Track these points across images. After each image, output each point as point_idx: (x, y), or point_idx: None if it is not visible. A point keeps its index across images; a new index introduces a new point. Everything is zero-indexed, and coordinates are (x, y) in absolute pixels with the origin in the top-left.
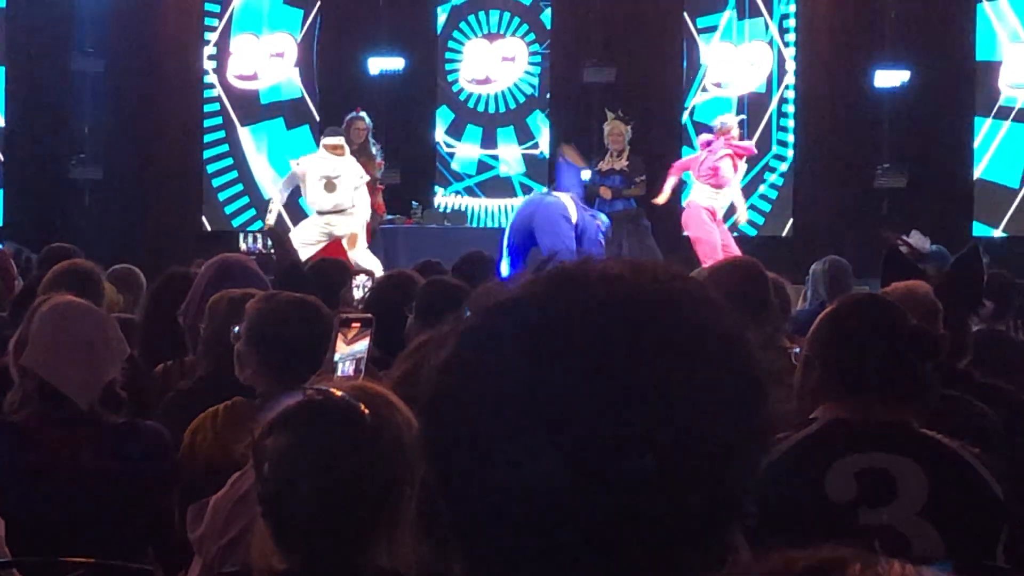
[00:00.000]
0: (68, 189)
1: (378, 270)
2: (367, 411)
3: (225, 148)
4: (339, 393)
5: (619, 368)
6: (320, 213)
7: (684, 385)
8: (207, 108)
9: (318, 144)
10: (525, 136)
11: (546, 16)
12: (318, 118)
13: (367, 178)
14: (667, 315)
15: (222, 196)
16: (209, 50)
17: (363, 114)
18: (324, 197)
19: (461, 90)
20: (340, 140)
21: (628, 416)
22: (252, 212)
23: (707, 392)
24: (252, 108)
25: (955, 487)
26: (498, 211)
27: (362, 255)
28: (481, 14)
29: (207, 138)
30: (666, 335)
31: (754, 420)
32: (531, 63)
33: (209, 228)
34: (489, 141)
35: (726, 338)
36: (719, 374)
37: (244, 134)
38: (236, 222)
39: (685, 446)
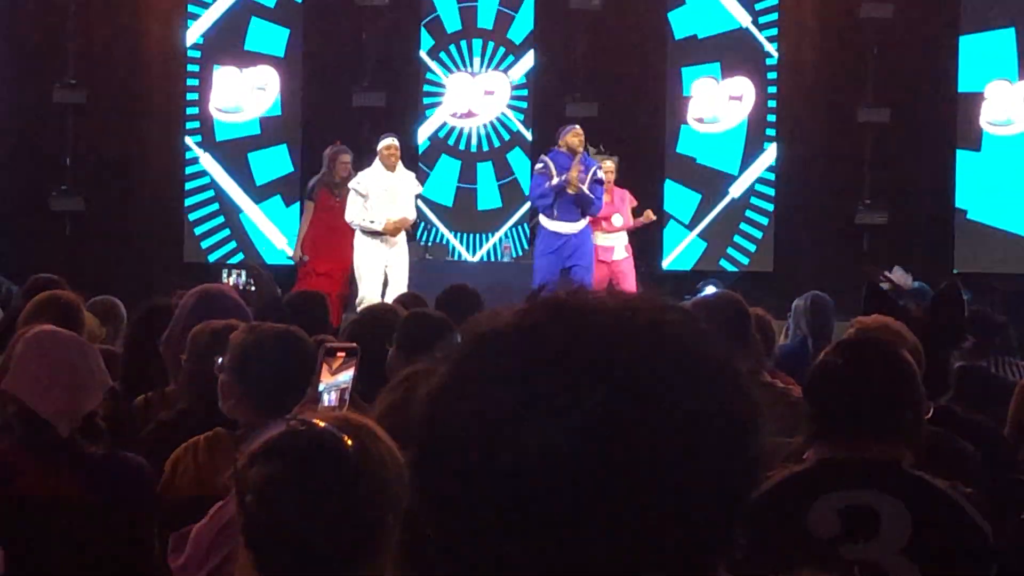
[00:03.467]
0: (49, 220)
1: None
2: (350, 442)
3: (207, 180)
4: (322, 424)
5: (609, 399)
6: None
7: (676, 416)
8: (188, 141)
9: (300, 178)
10: (504, 171)
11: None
12: (299, 151)
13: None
14: (659, 346)
15: (202, 229)
16: (191, 82)
17: (346, 147)
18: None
19: (443, 124)
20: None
21: (618, 447)
22: (233, 244)
23: (699, 423)
24: (233, 140)
25: (941, 527)
26: (479, 244)
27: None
28: (463, 45)
29: (188, 170)
30: (658, 366)
31: (745, 452)
32: (513, 96)
33: (190, 260)
34: (468, 175)
35: (718, 369)
36: (711, 405)
37: (225, 166)
38: (217, 255)
39: (675, 477)
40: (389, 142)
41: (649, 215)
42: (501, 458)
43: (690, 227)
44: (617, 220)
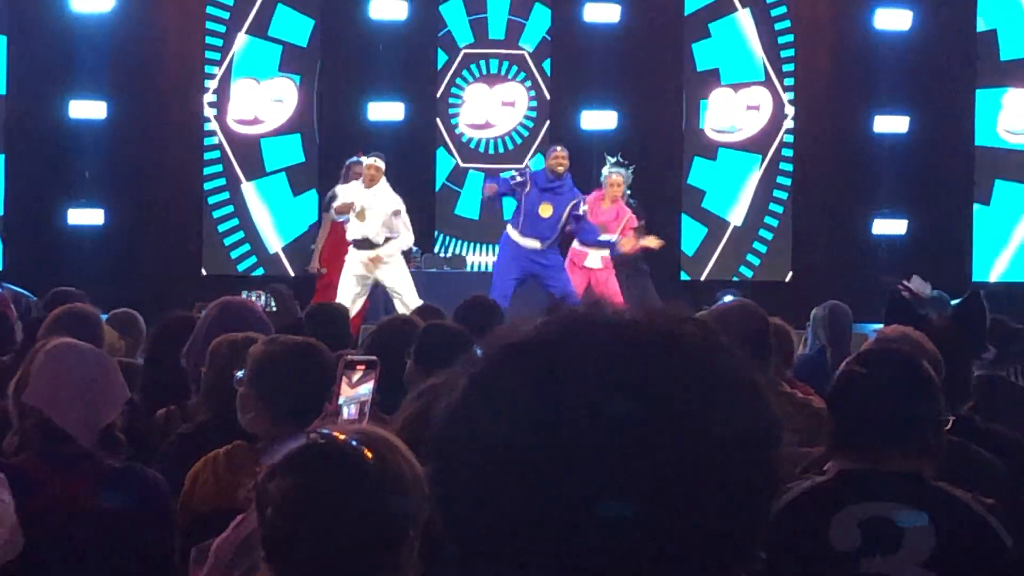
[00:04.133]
0: (68, 234)
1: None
2: (370, 455)
3: (225, 194)
4: (342, 437)
5: (630, 413)
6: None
7: (696, 430)
8: (207, 155)
9: (318, 189)
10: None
11: (546, 60)
12: (317, 163)
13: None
14: (678, 360)
15: (222, 241)
16: (210, 96)
17: (363, 159)
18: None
19: (462, 134)
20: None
21: (638, 461)
22: (253, 260)
23: (720, 437)
24: (252, 153)
25: (964, 540)
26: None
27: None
28: (480, 58)
29: (207, 184)
30: (677, 380)
31: (766, 465)
32: (531, 107)
33: (209, 272)
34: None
35: (738, 382)
36: (731, 418)
37: (244, 178)
38: (237, 267)
39: (696, 491)
40: (371, 161)
41: (652, 242)
42: (521, 473)
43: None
44: (603, 235)
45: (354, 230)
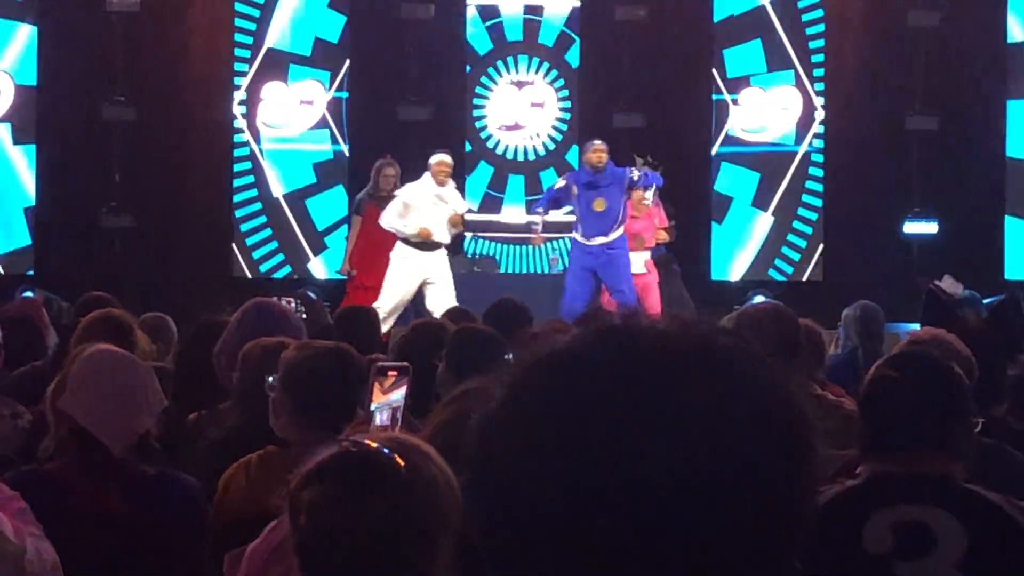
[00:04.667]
0: (99, 237)
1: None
2: (402, 463)
3: (255, 195)
4: (374, 444)
5: (667, 425)
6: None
7: (731, 441)
8: (237, 153)
9: (347, 191)
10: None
11: (573, 56)
12: (347, 165)
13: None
14: (714, 371)
15: (251, 242)
16: (239, 96)
17: (391, 160)
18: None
19: (490, 136)
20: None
21: (675, 473)
22: (284, 262)
23: (754, 447)
24: (281, 154)
25: (997, 542)
26: (528, 256)
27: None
28: (509, 59)
29: (236, 182)
30: (713, 392)
31: (801, 475)
32: (560, 109)
33: (239, 275)
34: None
35: (772, 393)
36: (766, 430)
37: (273, 181)
38: (266, 268)
39: (732, 501)
40: (441, 158)
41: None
42: (556, 484)
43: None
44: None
45: (433, 228)
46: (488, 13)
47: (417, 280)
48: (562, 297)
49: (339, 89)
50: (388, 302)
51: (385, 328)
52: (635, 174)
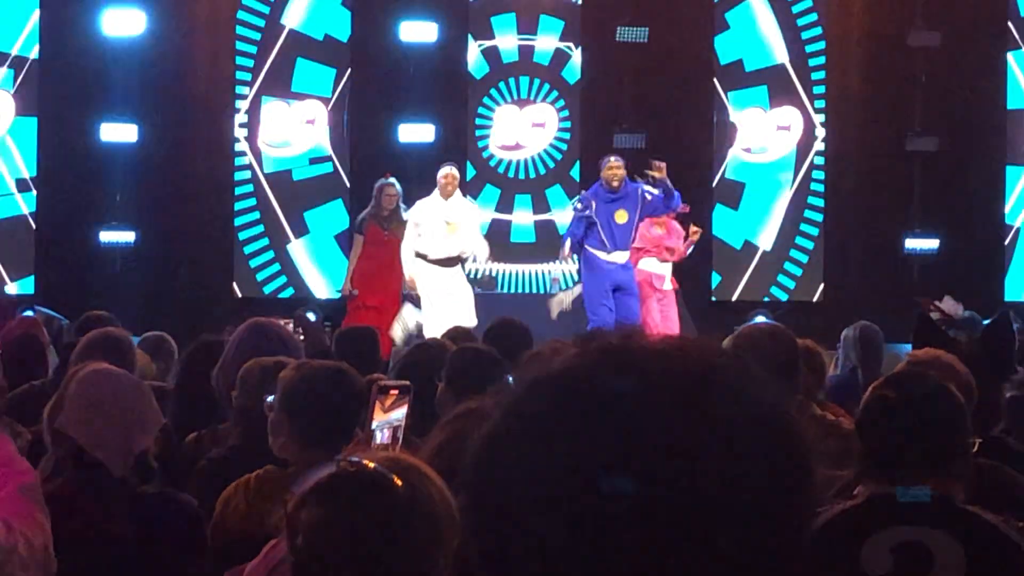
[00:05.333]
0: (99, 256)
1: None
2: (400, 483)
3: (256, 215)
4: (372, 465)
5: (665, 448)
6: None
7: (729, 464)
8: (238, 176)
9: (348, 211)
10: (541, 207)
11: (571, 73)
12: (348, 185)
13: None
14: (712, 393)
15: (253, 263)
16: (240, 117)
17: (393, 180)
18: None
19: (491, 156)
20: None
21: (672, 495)
22: (285, 282)
23: (753, 471)
24: (282, 175)
25: (995, 563)
26: (528, 276)
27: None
28: (511, 80)
29: (238, 205)
30: (711, 414)
31: (799, 499)
32: (561, 128)
33: (240, 295)
34: (505, 206)
35: (771, 416)
36: (765, 453)
37: (274, 200)
38: (267, 289)
39: (731, 523)
40: (447, 170)
41: (694, 231)
42: (554, 507)
43: (740, 256)
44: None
45: (442, 247)
46: (487, 36)
47: (445, 290)
48: (589, 321)
49: (341, 109)
50: (434, 317)
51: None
52: (647, 195)
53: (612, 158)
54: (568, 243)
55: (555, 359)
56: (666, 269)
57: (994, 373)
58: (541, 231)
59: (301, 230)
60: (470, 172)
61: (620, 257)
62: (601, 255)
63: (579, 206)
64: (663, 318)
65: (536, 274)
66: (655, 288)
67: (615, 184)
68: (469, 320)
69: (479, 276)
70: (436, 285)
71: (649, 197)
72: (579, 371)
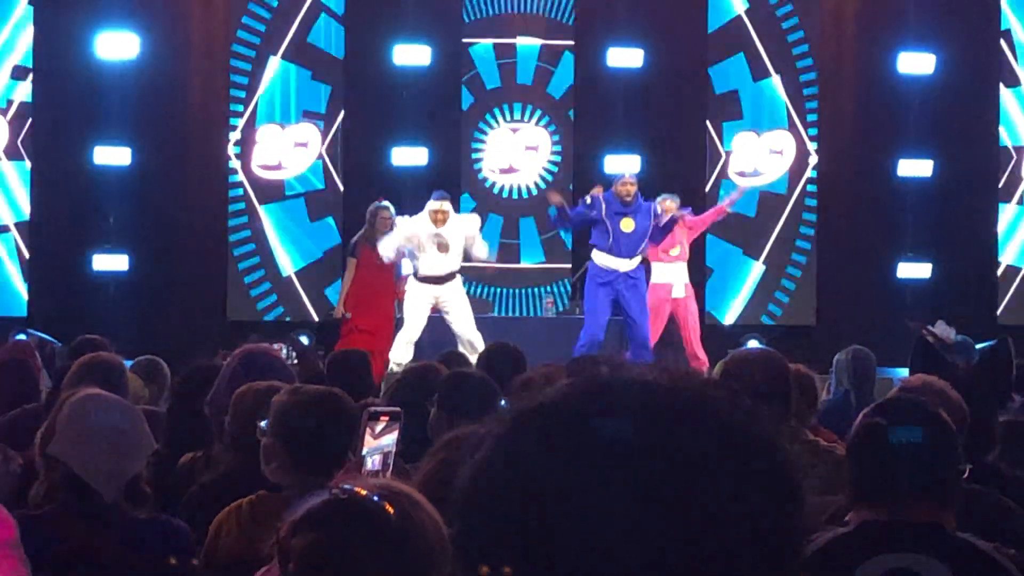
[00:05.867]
0: (92, 280)
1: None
2: (392, 510)
3: (250, 239)
4: (364, 492)
5: (655, 479)
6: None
7: (719, 497)
8: (232, 203)
9: (341, 234)
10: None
11: (566, 99)
12: (342, 209)
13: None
14: (702, 425)
15: (247, 285)
16: (235, 140)
17: (387, 203)
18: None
19: (485, 179)
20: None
21: (662, 526)
22: (274, 299)
23: (743, 504)
24: (276, 198)
25: None
26: (523, 299)
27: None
28: (504, 103)
29: (232, 232)
30: (701, 444)
31: (789, 530)
32: (554, 151)
33: (233, 318)
34: (511, 231)
35: (762, 448)
36: (755, 483)
37: (268, 224)
38: (261, 310)
39: (721, 553)
40: (437, 206)
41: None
42: (544, 536)
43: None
44: (675, 251)
45: (433, 265)
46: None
47: (427, 307)
48: (583, 327)
49: (335, 132)
50: (409, 330)
51: (407, 357)
52: (662, 217)
53: (627, 174)
54: (556, 213)
55: (545, 390)
56: (676, 275)
57: (990, 400)
58: (548, 249)
59: (295, 253)
60: (466, 200)
61: (623, 264)
62: (604, 258)
63: (588, 200)
64: (683, 326)
65: (532, 295)
66: (663, 298)
67: (627, 199)
68: (473, 334)
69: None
70: (418, 303)
71: (660, 213)
72: (568, 404)
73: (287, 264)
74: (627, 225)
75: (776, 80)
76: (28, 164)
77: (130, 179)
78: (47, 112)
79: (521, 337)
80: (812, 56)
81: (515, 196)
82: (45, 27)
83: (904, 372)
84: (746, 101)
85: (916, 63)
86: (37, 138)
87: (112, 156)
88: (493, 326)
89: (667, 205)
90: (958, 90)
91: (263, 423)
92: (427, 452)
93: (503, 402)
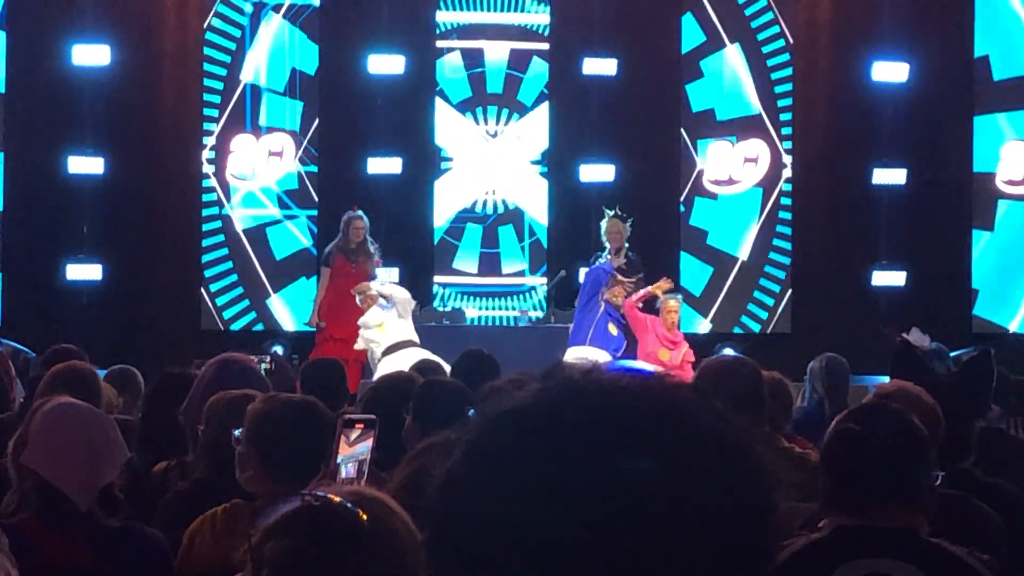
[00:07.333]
0: (66, 289)
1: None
2: (365, 517)
3: (224, 249)
4: (337, 499)
5: (626, 483)
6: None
7: (691, 499)
8: (205, 210)
9: (316, 244)
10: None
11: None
12: (317, 218)
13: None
14: (674, 428)
15: (219, 296)
16: (208, 151)
17: (360, 212)
18: None
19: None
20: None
21: (634, 530)
22: (253, 315)
23: (715, 505)
24: (249, 207)
25: None
26: (495, 307)
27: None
28: (479, 110)
29: (205, 239)
30: (673, 449)
31: (762, 531)
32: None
33: (208, 328)
34: (490, 240)
35: (734, 449)
36: (727, 486)
37: (242, 233)
38: (234, 320)
39: (692, 557)
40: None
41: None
42: (516, 542)
43: (704, 294)
44: (664, 354)
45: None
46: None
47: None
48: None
49: (308, 142)
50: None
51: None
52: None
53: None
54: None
55: (517, 394)
56: (675, 357)
57: (968, 409)
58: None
59: (268, 264)
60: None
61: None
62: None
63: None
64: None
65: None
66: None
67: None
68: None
69: (447, 308)
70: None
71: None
72: (540, 407)
73: (261, 273)
74: (612, 329)
75: (749, 83)
76: (0, 174)
77: (104, 188)
78: (20, 122)
79: (496, 346)
80: (787, 64)
81: (490, 208)
82: (17, 37)
83: (879, 379)
84: (723, 124)
85: (890, 72)
86: (9, 148)
87: (86, 165)
88: (469, 334)
89: (670, 305)
90: (931, 98)
91: (238, 431)
92: (402, 460)
93: (471, 411)
